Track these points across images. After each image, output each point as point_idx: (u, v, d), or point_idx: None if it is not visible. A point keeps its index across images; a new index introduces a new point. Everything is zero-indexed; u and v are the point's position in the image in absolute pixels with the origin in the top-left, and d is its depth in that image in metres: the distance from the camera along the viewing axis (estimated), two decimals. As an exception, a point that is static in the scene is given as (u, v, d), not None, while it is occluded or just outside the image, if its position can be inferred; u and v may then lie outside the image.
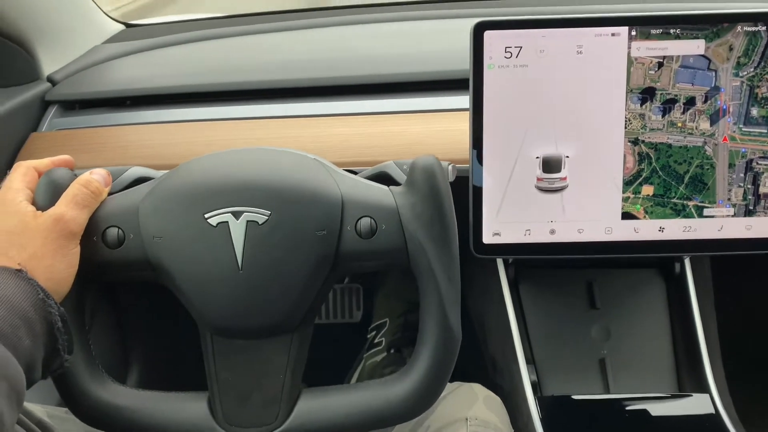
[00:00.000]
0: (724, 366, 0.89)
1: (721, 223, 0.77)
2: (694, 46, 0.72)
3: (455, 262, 0.58)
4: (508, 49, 0.73)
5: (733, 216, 0.76)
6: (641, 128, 0.74)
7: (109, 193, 0.60)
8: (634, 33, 0.72)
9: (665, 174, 0.75)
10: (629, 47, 0.72)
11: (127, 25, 1.16)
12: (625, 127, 0.74)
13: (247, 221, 0.55)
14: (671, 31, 0.72)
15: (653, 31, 0.72)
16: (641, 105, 0.74)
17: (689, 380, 0.87)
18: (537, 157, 0.75)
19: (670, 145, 0.74)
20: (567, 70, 0.73)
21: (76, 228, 0.55)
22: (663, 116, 0.74)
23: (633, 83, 0.73)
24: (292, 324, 0.58)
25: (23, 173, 0.58)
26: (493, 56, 0.73)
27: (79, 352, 0.57)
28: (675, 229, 0.77)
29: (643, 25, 0.71)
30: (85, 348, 0.58)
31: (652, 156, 0.75)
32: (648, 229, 0.77)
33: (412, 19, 1.11)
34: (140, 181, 0.64)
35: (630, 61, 0.72)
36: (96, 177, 0.58)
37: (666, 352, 0.89)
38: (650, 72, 0.73)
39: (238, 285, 0.56)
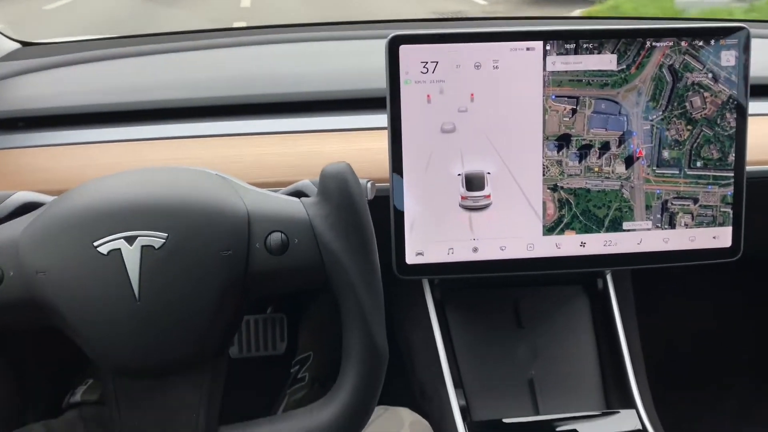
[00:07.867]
0: (650, 381, 0.89)
1: (640, 237, 0.77)
2: (607, 61, 0.73)
3: (376, 273, 0.54)
4: (424, 64, 0.71)
5: (651, 229, 0.77)
6: (559, 175, 0.74)
7: None
8: (548, 48, 0.72)
9: (585, 219, 0.75)
10: (544, 61, 0.72)
11: (24, 44, 1.08)
12: (543, 174, 0.74)
13: (142, 246, 0.50)
14: (584, 45, 0.72)
15: (567, 46, 0.72)
16: (558, 152, 0.74)
17: (616, 397, 0.86)
18: (459, 175, 0.74)
19: (588, 190, 0.75)
20: (484, 85, 0.72)
21: None
22: (580, 162, 0.74)
23: (549, 131, 0.73)
24: (202, 358, 0.53)
25: None
26: (409, 71, 0.71)
27: None
28: (596, 243, 0.77)
29: (556, 39, 0.72)
30: None
31: (572, 202, 0.75)
32: (569, 245, 0.76)
33: (328, 39, 1.09)
34: (27, 207, 0.57)
35: (545, 110, 0.73)
36: None
37: (592, 369, 0.88)
38: (564, 119, 0.73)
39: (136, 318, 0.50)
